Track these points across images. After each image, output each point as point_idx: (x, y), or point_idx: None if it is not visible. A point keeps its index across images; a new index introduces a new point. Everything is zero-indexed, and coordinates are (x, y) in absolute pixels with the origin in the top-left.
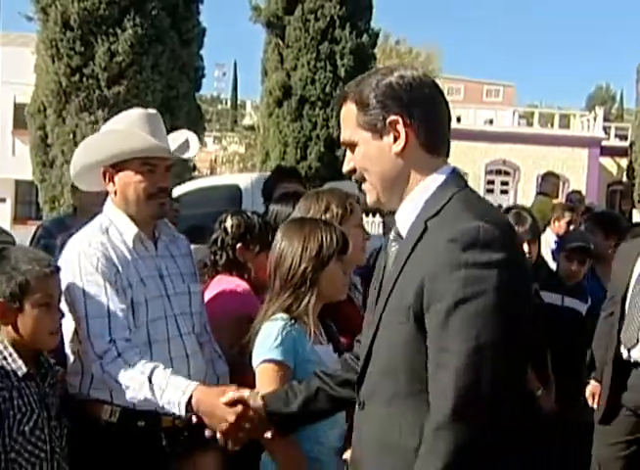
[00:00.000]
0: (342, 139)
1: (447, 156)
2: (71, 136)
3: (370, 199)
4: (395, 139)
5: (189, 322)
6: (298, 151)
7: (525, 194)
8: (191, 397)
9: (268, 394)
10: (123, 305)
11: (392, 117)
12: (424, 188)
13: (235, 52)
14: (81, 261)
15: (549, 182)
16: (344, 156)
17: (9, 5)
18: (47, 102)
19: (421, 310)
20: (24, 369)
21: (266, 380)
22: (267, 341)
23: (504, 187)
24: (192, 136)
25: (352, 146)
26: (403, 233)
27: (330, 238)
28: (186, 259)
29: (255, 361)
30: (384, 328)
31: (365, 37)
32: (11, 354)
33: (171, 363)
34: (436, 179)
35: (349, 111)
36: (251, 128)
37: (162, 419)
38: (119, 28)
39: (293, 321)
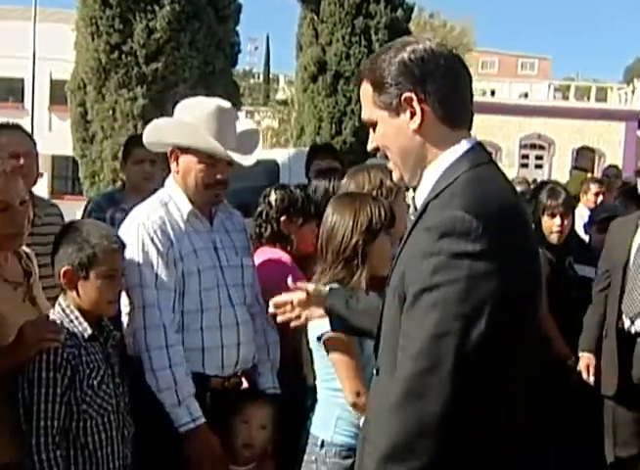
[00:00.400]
0: (362, 118)
1: (470, 128)
2: (111, 112)
3: (395, 176)
4: (412, 116)
5: (241, 293)
6: (333, 126)
7: (559, 168)
8: None
9: (333, 289)
10: (172, 278)
11: (406, 94)
12: (441, 163)
13: (267, 26)
14: (139, 233)
15: (584, 157)
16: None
17: None
18: (87, 79)
19: (403, 294)
20: (90, 331)
21: (338, 349)
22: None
23: (538, 161)
24: (259, 140)
25: (373, 125)
26: (418, 203)
27: (379, 212)
28: (240, 235)
29: (318, 332)
30: (386, 305)
31: (400, 11)
32: (77, 318)
33: (221, 330)
34: (452, 155)
35: (366, 91)
36: (284, 103)
37: (212, 381)
38: (157, 5)
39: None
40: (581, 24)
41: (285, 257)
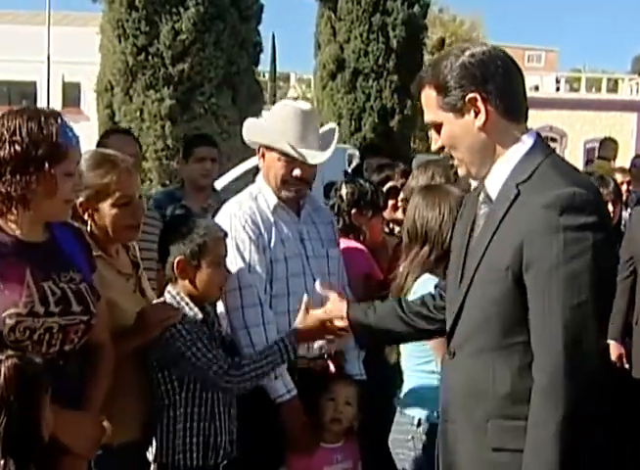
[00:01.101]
0: (425, 121)
1: (526, 121)
2: (138, 113)
3: (461, 172)
4: (476, 114)
5: (326, 281)
6: (353, 122)
7: (572, 160)
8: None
9: (352, 304)
10: (263, 263)
11: (470, 95)
12: (512, 154)
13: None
14: (232, 222)
15: (607, 147)
16: (399, 127)
17: None
18: (114, 81)
19: (519, 271)
20: (201, 315)
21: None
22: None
23: None
24: (333, 138)
25: (437, 126)
26: (493, 196)
27: (455, 202)
28: (327, 227)
29: None
30: (477, 286)
31: (416, 7)
32: (187, 303)
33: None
34: (523, 145)
35: (429, 96)
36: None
37: (299, 360)
38: (182, 7)
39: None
40: (587, 15)
41: (361, 247)
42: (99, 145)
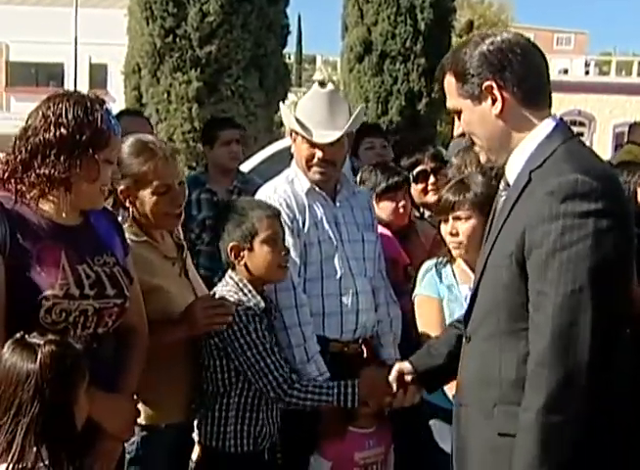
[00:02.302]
0: (448, 107)
1: (550, 106)
2: (165, 95)
3: (482, 158)
4: (494, 102)
5: (361, 265)
6: (380, 105)
7: (600, 145)
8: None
9: (413, 357)
10: (297, 246)
11: (487, 83)
12: (530, 141)
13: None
14: None
15: (637, 131)
16: (425, 110)
17: None
18: (142, 63)
19: (522, 257)
20: (263, 304)
21: (422, 310)
22: (420, 279)
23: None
24: (349, 118)
25: (458, 113)
26: (511, 183)
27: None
28: (365, 212)
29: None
30: (489, 271)
31: None
32: (250, 291)
33: (340, 297)
34: (542, 131)
35: (449, 82)
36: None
37: (331, 345)
38: None
39: (444, 262)
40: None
41: (386, 231)
42: None
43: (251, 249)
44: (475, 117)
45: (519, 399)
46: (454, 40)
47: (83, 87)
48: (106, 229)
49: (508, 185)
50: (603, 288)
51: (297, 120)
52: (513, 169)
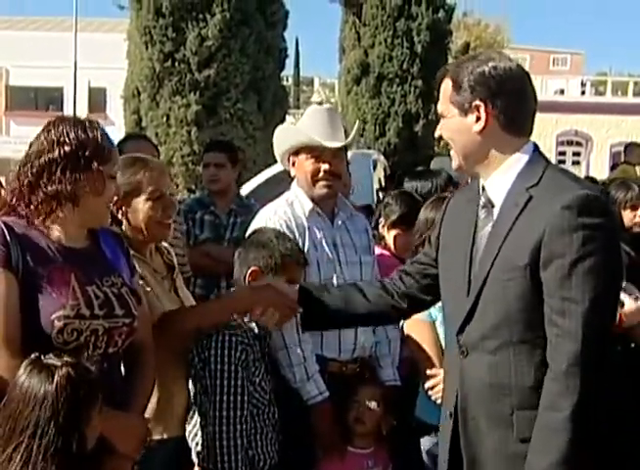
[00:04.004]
0: (438, 109)
1: (530, 134)
2: (165, 119)
3: (454, 164)
4: (477, 120)
5: None
6: (377, 127)
7: (597, 165)
8: None
9: (305, 283)
10: None
11: (477, 102)
12: (514, 162)
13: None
14: (267, 227)
15: (633, 152)
16: (423, 131)
17: None
18: (141, 87)
19: (537, 268)
20: (257, 330)
21: (412, 336)
22: None
23: (576, 158)
24: (353, 129)
25: (445, 117)
26: (495, 201)
27: None
28: (362, 235)
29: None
30: (493, 284)
31: (441, 13)
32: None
33: None
34: (524, 155)
35: (446, 87)
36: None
37: (330, 364)
38: (209, 13)
39: None
40: (613, 19)
41: (386, 252)
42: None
43: (276, 274)
44: (456, 126)
45: (538, 403)
46: (451, 62)
47: (82, 111)
48: (113, 251)
49: (490, 203)
50: (613, 293)
51: (304, 133)
52: (498, 188)
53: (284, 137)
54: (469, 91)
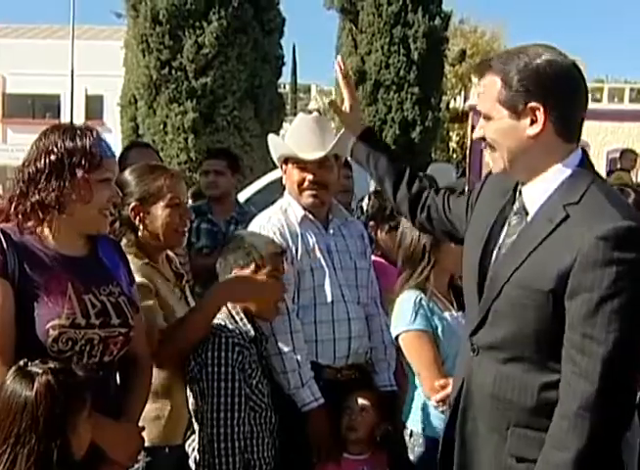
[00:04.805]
0: (478, 107)
1: (579, 140)
2: (162, 126)
3: (496, 167)
4: (532, 123)
5: (354, 292)
6: None
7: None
8: None
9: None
10: (290, 274)
11: (534, 104)
12: (557, 171)
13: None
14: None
15: (627, 158)
16: (420, 138)
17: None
18: (138, 94)
19: (562, 296)
20: (252, 332)
21: (414, 347)
22: (404, 314)
23: None
24: (334, 138)
25: (486, 117)
26: (530, 209)
27: None
28: (357, 240)
29: (394, 332)
30: (508, 298)
31: (437, 20)
32: (242, 319)
33: (333, 324)
34: (568, 166)
35: (493, 84)
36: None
37: (324, 371)
38: (205, 21)
39: (422, 293)
40: (611, 25)
41: (382, 261)
42: (120, 159)
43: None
44: (507, 129)
45: (536, 424)
46: (447, 69)
47: (79, 118)
48: (112, 260)
49: (525, 211)
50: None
51: (285, 145)
52: (535, 197)
53: (272, 147)
54: (522, 91)
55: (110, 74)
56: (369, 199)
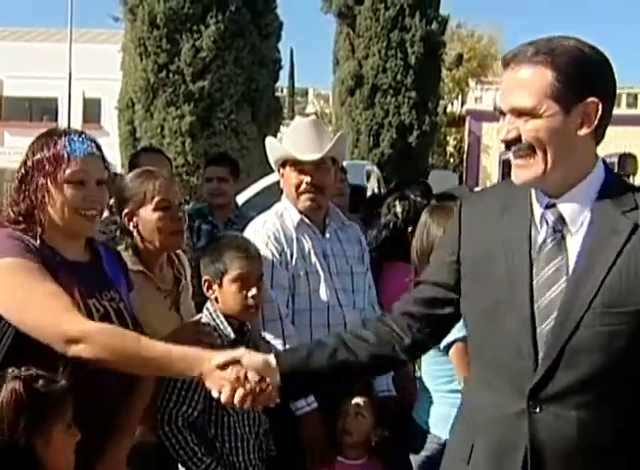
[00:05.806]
0: (515, 104)
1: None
2: (159, 130)
3: (531, 173)
4: (582, 121)
5: (350, 297)
6: (371, 138)
7: None
8: None
9: (282, 353)
10: (285, 278)
11: (592, 99)
12: (593, 178)
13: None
14: (256, 238)
15: (626, 162)
16: (417, 142)
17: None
18: (135, 98)
19: None
20: (233, 336)
21: (462, 358)
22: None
23: None
24: (331, 140)
25: (526, 114)
26: (571, 221)
27: None
28: (354, 245)
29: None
30: (591, 329)
31: (434, 24)
32: (222, 322)
33: (328, 329)
34: (601, 169)
35: (542, 75)
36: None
37: None
38: (203, 25)
39: None
40: (607, 30)
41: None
42: (130, 164)
43: (220, 285)
44: (556, 127)
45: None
46: (444, 73)
47: (77, 122)
48: (112, 266)
49: (563, 220)
50: None
51: (283, 147)
52: (577, 206)
53: (269, 150)
54: (583, 85)
55: (107, 78)
56: (399, 200)
